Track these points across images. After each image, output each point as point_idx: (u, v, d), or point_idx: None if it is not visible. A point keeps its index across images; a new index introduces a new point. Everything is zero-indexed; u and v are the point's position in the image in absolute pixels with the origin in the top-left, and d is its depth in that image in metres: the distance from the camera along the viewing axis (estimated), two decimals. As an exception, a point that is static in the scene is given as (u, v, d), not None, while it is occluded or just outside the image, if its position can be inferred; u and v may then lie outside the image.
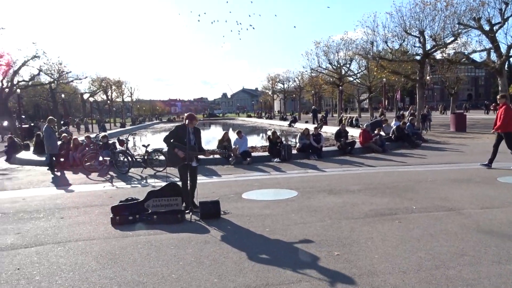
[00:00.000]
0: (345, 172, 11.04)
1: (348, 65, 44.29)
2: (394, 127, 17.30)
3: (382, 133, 17.12)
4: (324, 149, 14.75)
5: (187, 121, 6.91)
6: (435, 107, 68.92)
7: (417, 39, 25.53)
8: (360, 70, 46.13)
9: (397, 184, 8.83)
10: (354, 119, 30.67)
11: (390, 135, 17.00)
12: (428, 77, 38.94)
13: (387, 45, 27.82)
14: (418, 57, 26.26)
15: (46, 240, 5.79)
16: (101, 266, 4.66)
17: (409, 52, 27.71)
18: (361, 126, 20.76)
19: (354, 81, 48.61)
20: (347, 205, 7.12)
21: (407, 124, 17.46)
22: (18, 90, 31.50)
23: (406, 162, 12.30)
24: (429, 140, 18.04)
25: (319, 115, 40.27)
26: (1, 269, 4.71)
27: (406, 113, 28.44)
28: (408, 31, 25.11)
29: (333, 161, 13.26)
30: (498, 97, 10.92)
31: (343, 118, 32.22)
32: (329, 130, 25.91)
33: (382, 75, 31.05)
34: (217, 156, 13.36)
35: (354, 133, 20.78)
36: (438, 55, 29.37)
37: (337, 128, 18.24)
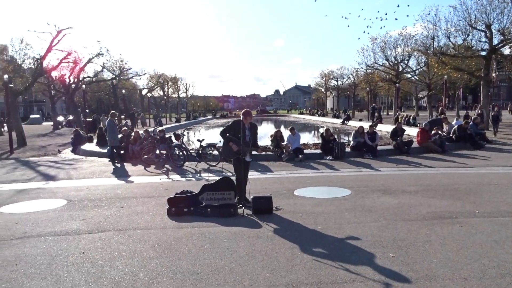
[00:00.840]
0: (401, 172, 10.69)
1: (406, 62, 42.71)
2: (456, 126, 16.47)
3: (444, 131, 16.39)
4: (379, 148, 14.37)
5: (242, 116, 7.07)
6: (502, 106, 64.66)
7: (483, 34, 24.08)
8: (419, 67, 44.34)
9: (458, 186, 8.41)
10: (411, 117, 29.55)
11: (451, 134, 16.22)
12: (494, 74, 36.65)
13: (450, 40, 26.44)
14: (483, 53, 24.75)
15: (108, 227, 6.11)
16: (158, 255, 4.85)
17: (474, 47, 26.15)
18: (418, 125, 19.97)
19: (412, 78, 46.80)
20: (404, 206, 6.89)
21: (470, 124, 16.56)
22: (83, 86, 33.38)
23: (467, 164, 11.68)
24: (494, 141, 17.00)
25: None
26: (68, 252, 5.04)
27: (474, 113, 26.79)
28: (473, 25, 23.74)
29: (388, 160, 12.88)
30: None
31: (399, 117, 31.13)
32: (384, 129, 25.17)
33: (443, 72, 29.60)
34: (269, 152, 13.45)
35: (411, 132, 20.04)
36: (506, 51, 27.48)
37: (393, 126, 17.68)
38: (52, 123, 42.21)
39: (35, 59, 28.73)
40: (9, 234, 5.87)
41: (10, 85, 21.37)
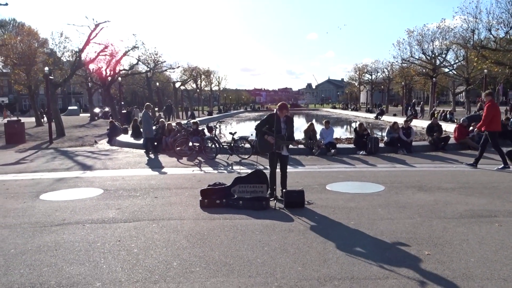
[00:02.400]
0: (437, 168, 10.40)
1: (443, 55, 41.33)
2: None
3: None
4: (414, 143, 14.02)
5: (278, 109, 7.07)
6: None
7: (527, 26, 23.02)
8: (457, 61, 42.82)
9: (497, 184, 8.10)
10: (448, 112, 28.68)
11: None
12: (537, 69, 34.83)
13: (491, 33, 25.42)
14: (527, 46, 23.69)
15: (142, 216, 6.26)
16: (191, 245, 4.93)
17: (517, 40, 25.06)
18: (456, 120, 19.34)
19: (450, 72, 45.29)
20: (439, 203, 6.70)
21: (511, 121, 15.89)
22: (119, 78, 34.14)
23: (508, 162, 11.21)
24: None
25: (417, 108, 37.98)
26: (105, 239, 5.20)
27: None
28: (516, 17, 22.73)
29: (423, 156, 12.55)
30: (483, 94, 10.54)
31: (436, 112, 30.25)
32: (419, 124, 24.55)
33: (483, 66, 28.51)
34: (301, 146, 13.36)
35: (447, 128, 19.46)
36: (551, 44, 26.16)
37: (428, 122, 17.20)
38: (89, 114, 43.49)
39: (73, 52, 29.72)
40: (49, 221, 6.11)
41: (50, 77, 22.15)
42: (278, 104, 7.21)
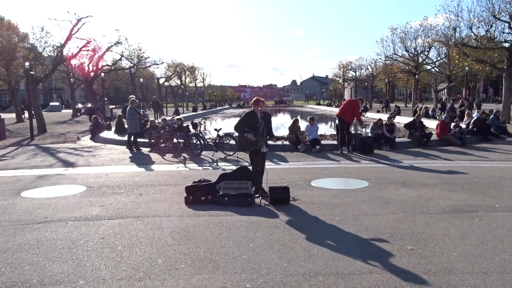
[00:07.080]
0: (420, 164, 10.54)
1: (426, 53, 41.84)
2: (474, 118, 16.16)
3: (463, 125, 16.10)
4: (397, 140, 14.20)
5: (253, 105, 7.03)
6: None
7: (506, 25, 23.43)
8: (439, 58, 43.41)
9: (478, 180, 8.27)
10: (431, 109, 29.09)
11: (469, 127, 15.93)
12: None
13: (472, 31, 25.81)
14: (506, 44, 24.10)
15: (126, 213, 6.20)
16: (176, 242, 4.90)
17: (497, 38, 25.50)
18: (438, 117, 19.62)
19: (432, 69, 45.90)
20: (422, 199, 6.81)
21: (491, 117, 16.22)
22: (102, 74, 33.66)
23: (488, 157, 11.47)
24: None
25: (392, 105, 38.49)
26: (88, 237, 5.13)
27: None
28: (497, 16, 23.11)
29: (406, 152, 12.72)
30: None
31: (418, 109, 30.64)
32: (402, 121, 24.83)
33: (465, 64, 28.96)
34: (286, 142, 13.41)
35: (429, 124, 19.72)
36: (530, 42, 26.72)
37: (411, 118, 17.40)
38: (71, 110, 42.81)
39: (55, 47, 29.17)
40: (30, 219, 6.01)
41: (31, 72, 21.71)
42: (252, 100, 7.14)
